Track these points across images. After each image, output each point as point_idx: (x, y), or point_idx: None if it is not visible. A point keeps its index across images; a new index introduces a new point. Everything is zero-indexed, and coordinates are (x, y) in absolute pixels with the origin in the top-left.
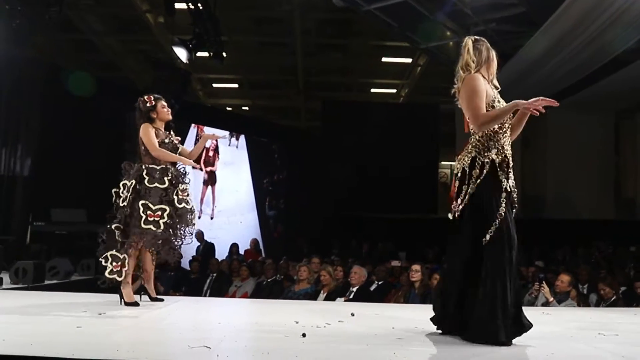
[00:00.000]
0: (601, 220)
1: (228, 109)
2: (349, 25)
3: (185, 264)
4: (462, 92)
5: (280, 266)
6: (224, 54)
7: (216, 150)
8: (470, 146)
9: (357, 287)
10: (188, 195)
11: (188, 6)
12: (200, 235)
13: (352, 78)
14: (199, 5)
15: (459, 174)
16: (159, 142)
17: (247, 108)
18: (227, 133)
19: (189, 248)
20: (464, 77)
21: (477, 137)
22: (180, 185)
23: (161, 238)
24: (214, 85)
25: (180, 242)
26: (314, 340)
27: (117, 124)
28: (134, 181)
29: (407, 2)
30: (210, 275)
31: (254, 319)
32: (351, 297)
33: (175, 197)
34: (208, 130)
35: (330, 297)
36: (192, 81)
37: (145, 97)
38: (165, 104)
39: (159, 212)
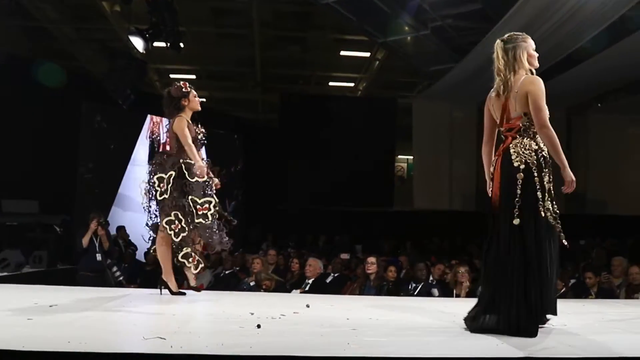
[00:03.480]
0: None
1: None
2: (307, 18)
3: (140, 255)
4: (529, 91)
5: (236, 258)
6: (182, 45)
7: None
8: (525, 141)
9: (313, 279)
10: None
11: None
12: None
13: (311, 71)
14: None
15: (522, 166)
16: (192, 137)
17: (204, 99)
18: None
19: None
20: (522, 79)
21: (530, 133)
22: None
23: (211, 229)
24: (171, 75)
25: (226, 230)
26: (268, 331)
27: (72, 113)
28: (172, 173)
29: None
30: None
31: (208, 310)
32: (307, 289)
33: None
34: None
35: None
36: (149, 71)
37: (181, 82)
38: (196, 94)
39: (207, 205)
